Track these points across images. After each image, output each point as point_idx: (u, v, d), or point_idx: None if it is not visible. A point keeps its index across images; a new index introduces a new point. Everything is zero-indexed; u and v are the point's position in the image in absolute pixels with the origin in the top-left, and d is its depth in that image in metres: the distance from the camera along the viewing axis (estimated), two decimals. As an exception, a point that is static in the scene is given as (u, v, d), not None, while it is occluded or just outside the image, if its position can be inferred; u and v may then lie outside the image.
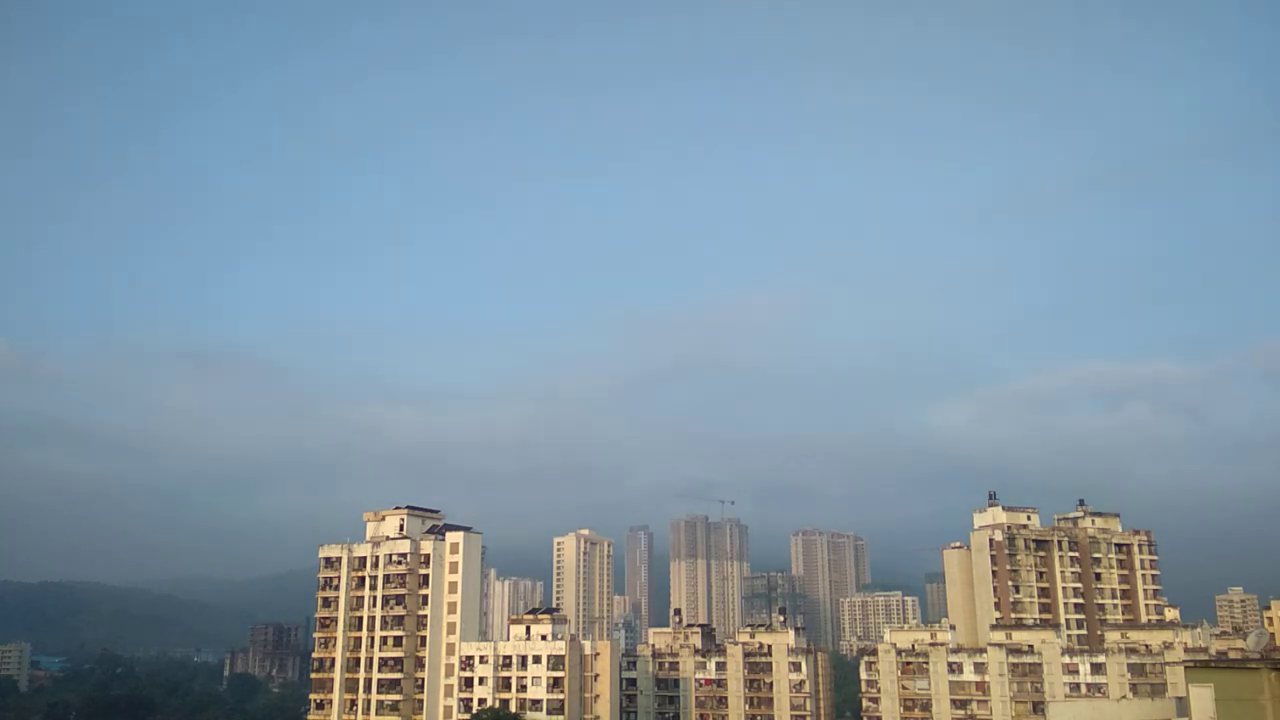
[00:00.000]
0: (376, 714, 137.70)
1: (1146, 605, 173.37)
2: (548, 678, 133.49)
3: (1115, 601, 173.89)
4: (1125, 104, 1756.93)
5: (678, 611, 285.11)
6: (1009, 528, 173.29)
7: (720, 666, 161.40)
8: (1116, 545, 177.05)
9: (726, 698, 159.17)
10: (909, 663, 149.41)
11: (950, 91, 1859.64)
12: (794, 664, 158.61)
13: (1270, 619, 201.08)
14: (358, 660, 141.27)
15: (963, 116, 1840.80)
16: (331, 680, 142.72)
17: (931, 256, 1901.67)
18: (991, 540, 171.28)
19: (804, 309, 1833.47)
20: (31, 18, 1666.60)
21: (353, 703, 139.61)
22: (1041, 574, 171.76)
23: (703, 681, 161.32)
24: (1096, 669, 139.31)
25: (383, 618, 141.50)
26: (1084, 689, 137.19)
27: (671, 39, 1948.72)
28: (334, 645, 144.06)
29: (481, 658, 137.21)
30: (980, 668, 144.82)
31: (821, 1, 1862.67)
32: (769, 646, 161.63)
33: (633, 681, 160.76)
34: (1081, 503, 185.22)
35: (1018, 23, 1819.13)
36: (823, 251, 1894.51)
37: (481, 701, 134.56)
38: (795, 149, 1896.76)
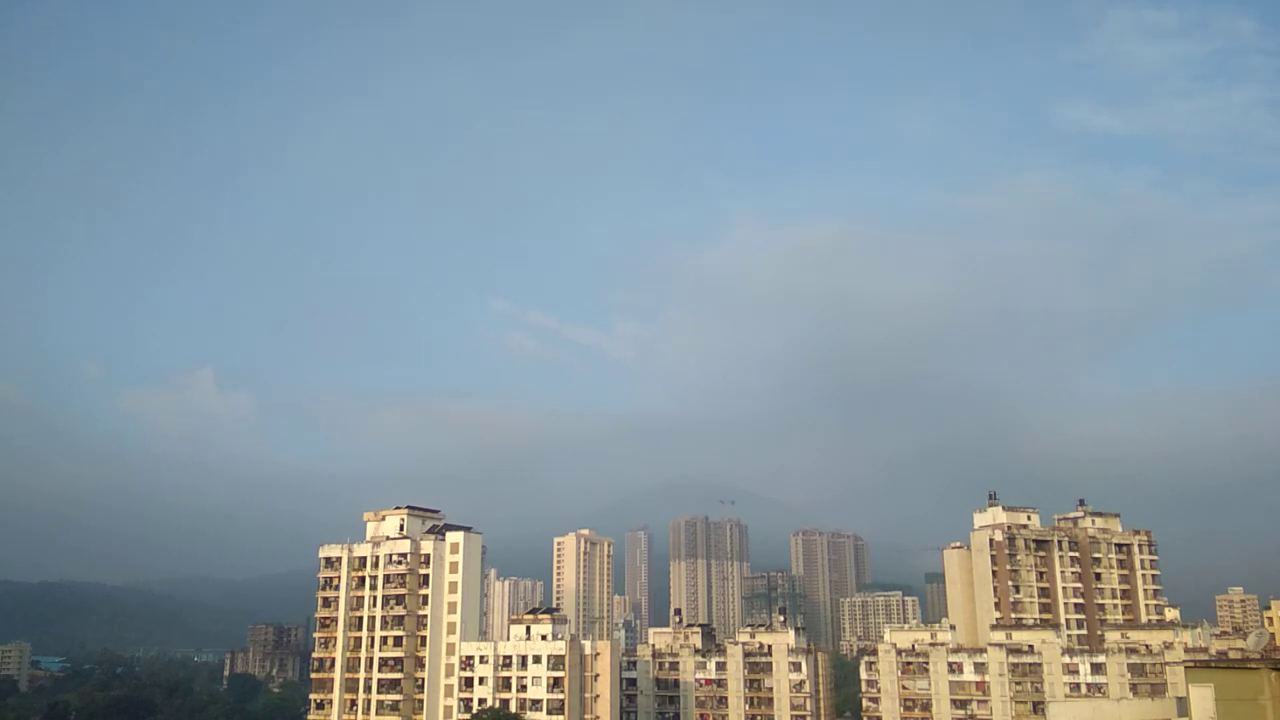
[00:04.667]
0: (376, 714, 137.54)
1: (1146, 605, 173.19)
2: (548, 678, 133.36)
3: (1115, 601, 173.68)
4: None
5: (678, 611, 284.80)
6: (1009, 528, 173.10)
7: (720, 666, 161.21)
8: (1116, 545, 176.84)
9: (726, 698, 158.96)
10: (909, 663, 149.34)
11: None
12: (794, 664, 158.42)
13: (1270, 619, 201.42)
14: (358, 660, 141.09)
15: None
16: (331, 680, 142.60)
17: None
18: (991, 540, 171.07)
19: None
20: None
21: (353, 703, 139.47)
22: (1041, 574, 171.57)
23: (703, 681, 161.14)
24: (1096, 669, 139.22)
25: (383, 618, 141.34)
26: (1084, 689, 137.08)
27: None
28: (334, 645, 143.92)
29: (481, 658, 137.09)
30: (980, 668, 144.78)
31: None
32: (769, 646, 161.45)
33: (633, 681, 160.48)
34: (1081, 503, 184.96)
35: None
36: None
37: (481, 701, 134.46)
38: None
